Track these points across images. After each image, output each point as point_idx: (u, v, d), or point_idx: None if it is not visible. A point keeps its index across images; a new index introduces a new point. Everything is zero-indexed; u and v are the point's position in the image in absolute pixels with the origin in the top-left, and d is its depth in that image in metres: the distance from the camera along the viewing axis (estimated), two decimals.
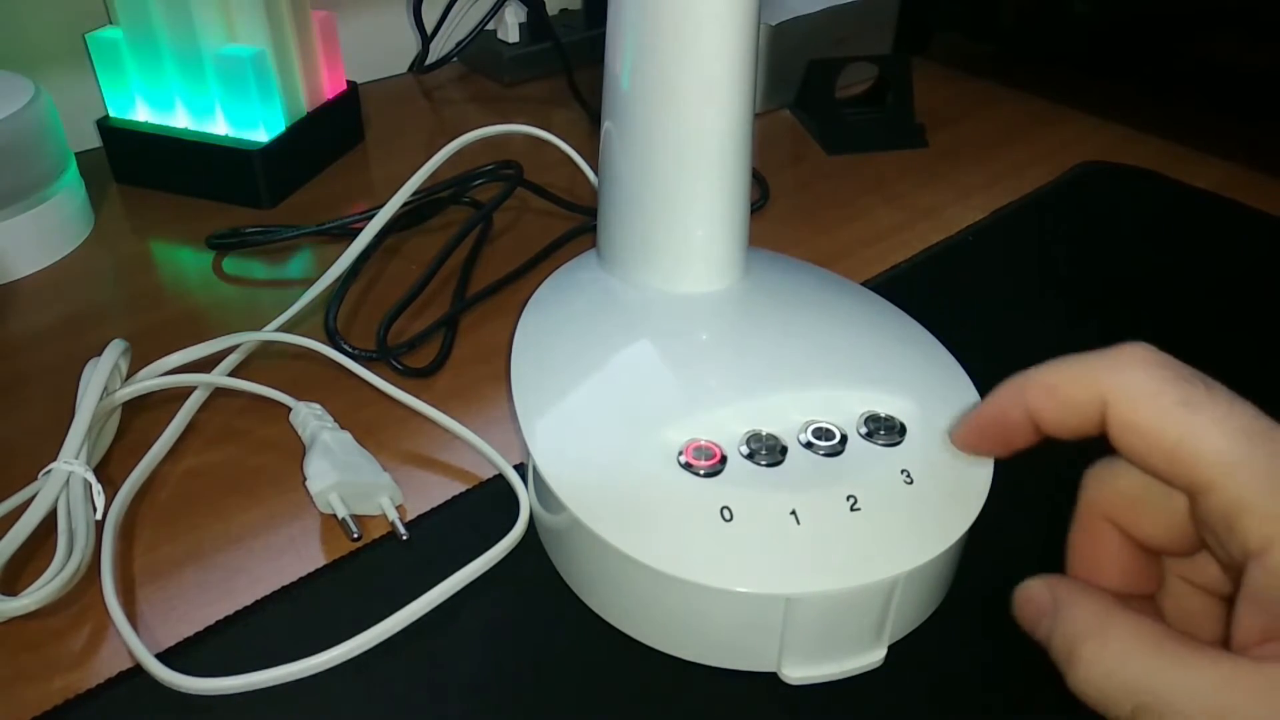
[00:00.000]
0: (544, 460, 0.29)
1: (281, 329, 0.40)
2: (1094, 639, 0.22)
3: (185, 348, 0.37)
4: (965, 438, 0.27)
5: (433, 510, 0.33)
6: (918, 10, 0.67)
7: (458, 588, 0.30)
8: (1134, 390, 0.22)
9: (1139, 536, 0.25)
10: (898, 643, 0.28)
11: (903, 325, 0.35)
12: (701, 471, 0.27)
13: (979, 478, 0.29)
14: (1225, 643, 0.21)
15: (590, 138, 0.57)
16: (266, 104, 0.50)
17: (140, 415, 0.37)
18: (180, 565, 0.31)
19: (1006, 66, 0.66)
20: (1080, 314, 0.44)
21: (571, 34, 0.66)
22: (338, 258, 0.42)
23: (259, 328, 0.40)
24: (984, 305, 0.44)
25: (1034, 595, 0.25)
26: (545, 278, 0.38)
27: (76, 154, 0.48)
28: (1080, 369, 0.23)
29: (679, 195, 0.33)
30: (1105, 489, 0.25)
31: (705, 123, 0.32)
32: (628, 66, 0.32)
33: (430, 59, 0.66)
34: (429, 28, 0.65)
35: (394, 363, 0.39)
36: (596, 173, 0.37)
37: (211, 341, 0.38)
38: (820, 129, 0.59)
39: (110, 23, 0.50)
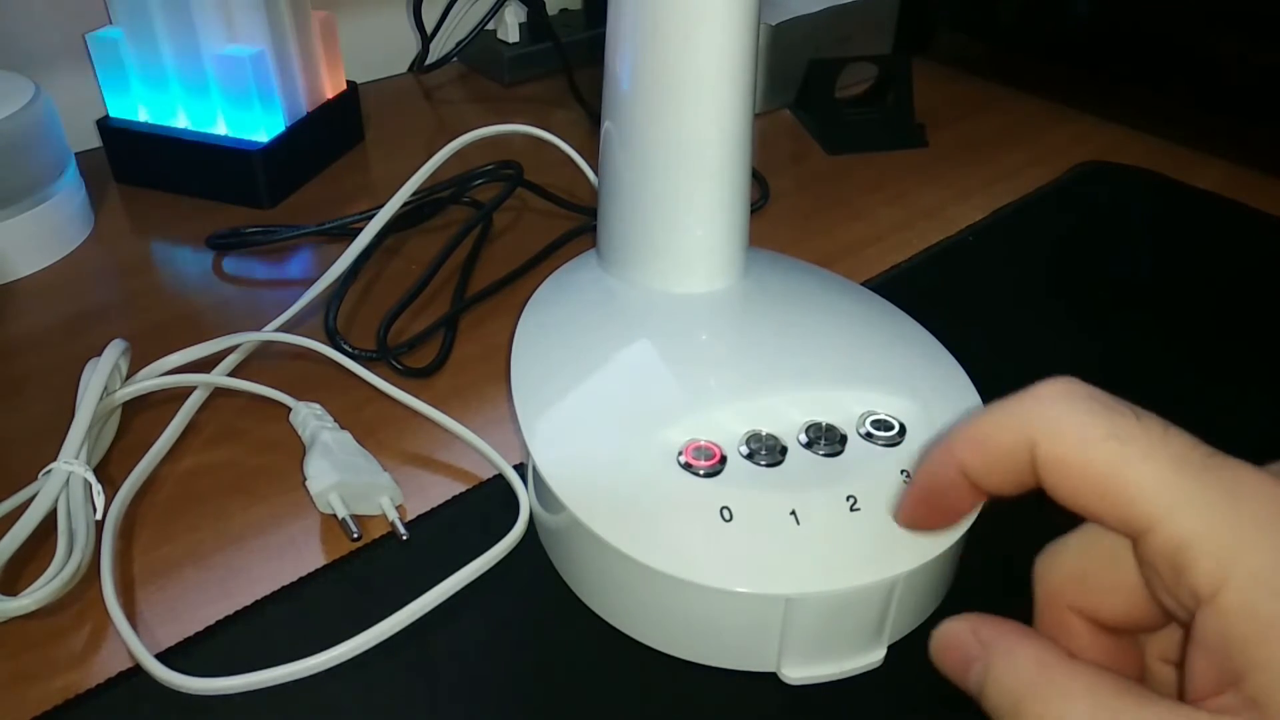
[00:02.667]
0: (544, 460, 0.29)
1: (281, 329, 0.40)
2: (1037, 698, 0.20)
3: (185, 348, 0.37)
4: (906, 513, 0.25)
5: (433, 510, 0.33)
6: (918, 10, 0.67)
7: (457, 588, 0.30)
8: (1059, 425, 0.21)
9: (1103, 617, 0.23)
10: (898, 643, 0.28)
11: (903, 325, 0.35)
12: (701, 471, 0.27)
13: None
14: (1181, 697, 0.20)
15: (590, 138, 0.57)
16: (266, 104, 0.50)
17: (140, 415, 0.37)
18: (180, 565, 0.31)
19: (1006, 66, 0.66)
20: (1080, 314, 0.44)
21: (571, 34, 0.66)
22: (338, 258, 0.42)
23: (259, 328, 0.40)
24: (984, 305, 0.44)
25: (958, 640, 0.23)
26: (545, 278, 0.38)
27: (76, 154, 0.48)
28: (1004, 414, 0.22)
29: (679, 195, 0.33)
30: (1056, 574, 0.24)
31: (705, 123, 0.32)
32: (628, 66, 0.32)
33: (430, 59, 0.66)
34: (429, 28, 0.65)
35: (394, 363, 0.39)
36: (596, 173, 0.37)
37: (211, 341, 0.37)
38: (820, 129, 0.59)
39: (110, 23, 0.50)
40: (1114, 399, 0.21)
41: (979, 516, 0.28)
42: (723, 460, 0.28)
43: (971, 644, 0.22)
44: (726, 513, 0.27)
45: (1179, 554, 0.19)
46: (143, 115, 0.51)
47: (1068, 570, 0.23)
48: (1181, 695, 0.20)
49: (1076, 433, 0.20)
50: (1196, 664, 0.20)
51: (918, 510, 0.25)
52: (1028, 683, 0.21)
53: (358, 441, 0.34)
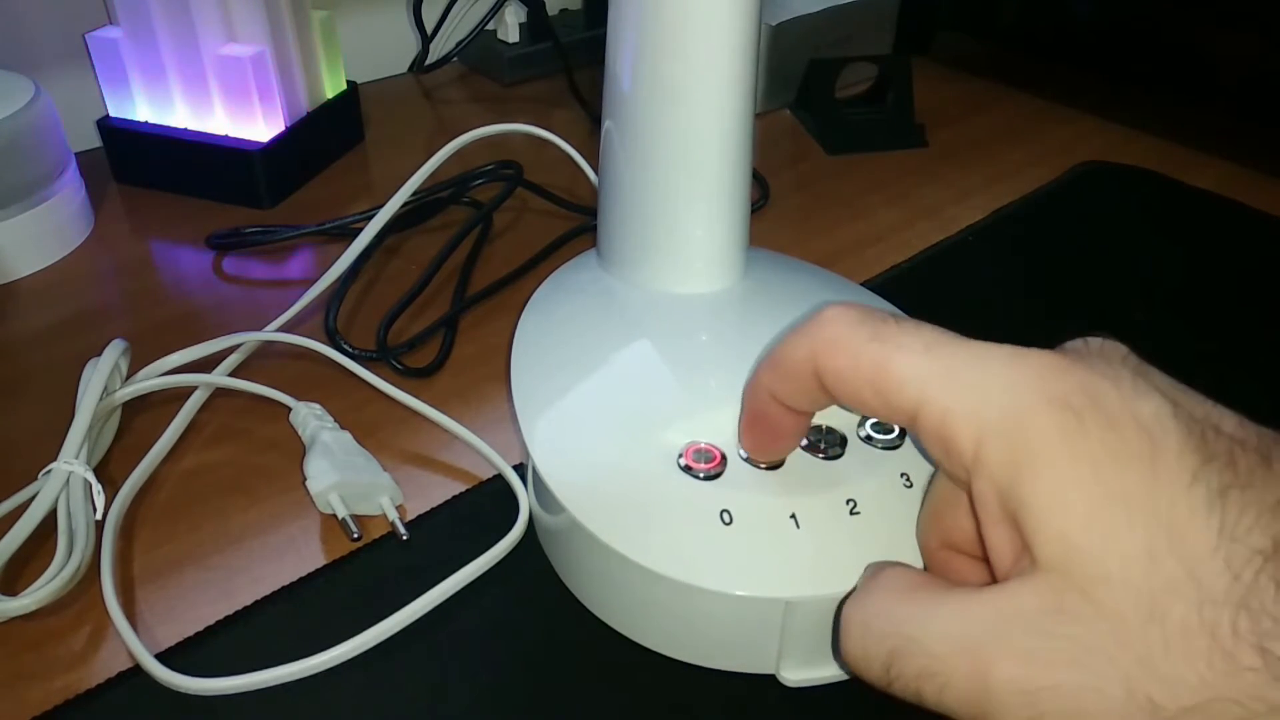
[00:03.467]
0: (543, 461, 0.29)
1: (281, 329, 0.40)
2: (854, 598, 0.22)
3: (185, 348, 0.37)
4: (746, 443, 0.28)
5: (433, 510, 0.33)
6: (918, 10, 0.67)
7: (457, 588, 0.30)
8: (831, 339, 0.23)
9: (963, 545, 0.24)
10: None
11: None
12: (701, 474, 0.27)
13: None
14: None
15: (590, 138, 0.57)
16: (266, 104, 0.50)
17: (140, 415, 0.37)
18: (180, 565, 0.31)
19: (1006, 66, 0.66)
20: (1080, 314, 0.44)
21: (571, 34, 0.66)
22: (338, 258, 0.42)
23: (259, 328, 0.40)
24: (984, 305, 0.44)
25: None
26: (545, 278, 0.38)
27: (76, 154, 0.48)
28: (793, 338, 0.24)
29: (679, 195, 0.33)
30: (920, 522, 0.26)
31: (705, 123, 0.32)
32: (628, 66, 0.32)
33: (430, 59, 0.66)
34: (429, 28, 0.65)
35: (394, 363, 0.39)
36: (596, 173, 0.37)
37: (211, 341, 0.38)
38: (820, 129, 0.59)
39: (110, 23, 0.50)
40: (880, 311, 0.23)
41: None
42: (723, 463, 0.28)
43: None
44: (726, 516, 0.27)
45: (943, 427, 0.21)
46: (143, 115, 0.51)
47: (926, 514, 0.25)
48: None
49: (846, 342, 0.22)
50: (992, 540, 0.20)
51: (750, 435, 0.27)
52: (858, 588, 0.23)
53: (358, 441, 0.34)
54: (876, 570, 0.23)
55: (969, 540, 0.23)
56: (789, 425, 0.26)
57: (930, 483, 0.25)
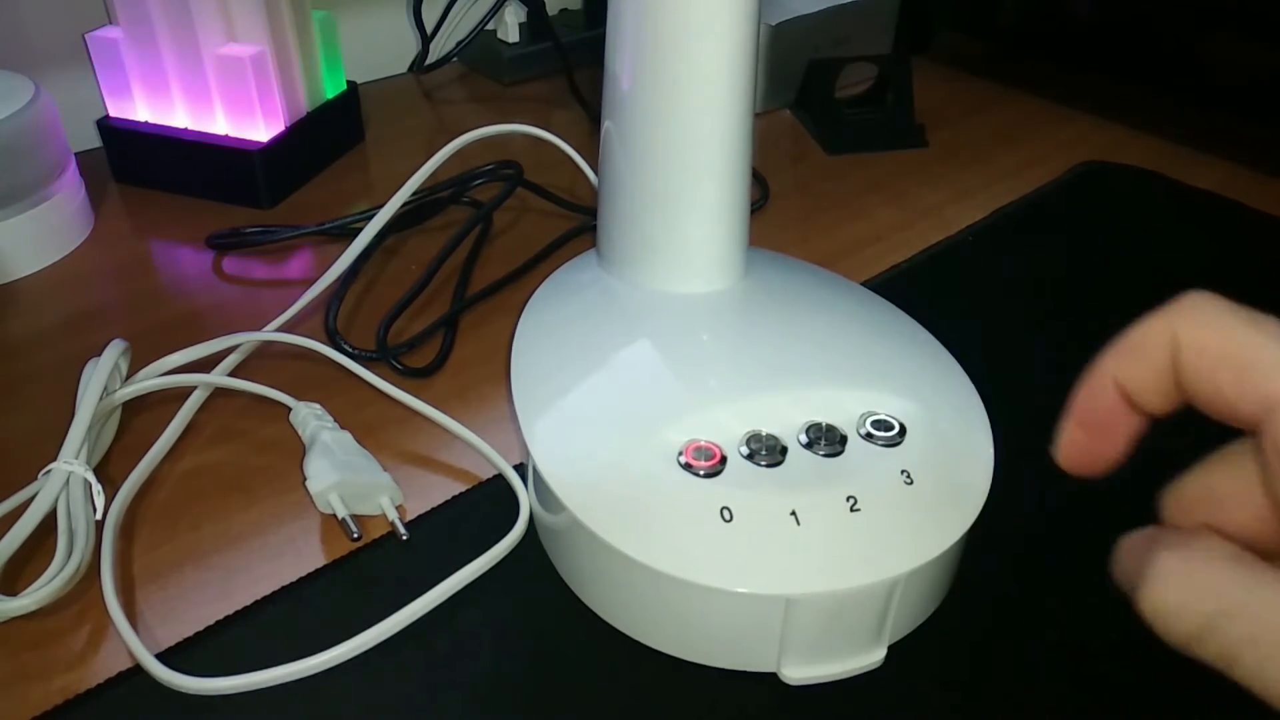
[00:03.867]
0: (544, 460, 0.29)
1: (281, 329, 0.40)
2: (1171, 548, 0.21)
3: (185, 348, 0.37)
4: (1066, 449, 0.25)
5: (433, 510, 0.33)
6: (918, 10, 0.67)
7: (458, 588, 0.30)
8: (1202, 315, 0.22)
9: (1231, 531, 0.23)
10: (898, 643, 0.28)
11: (903, 325, 0.35)
12: (701, 472, 0.27)
13: (979, 478, 0.29)
14: None
15: (590, 138, 0.57)
16: (266, 104, 0.50)
17: (140, 415, 0.37)
18: (180, 565, 0.31)
19: (1006, 66, 0.67)
20: (1079, 314, 0.44)
21: (571, 34, 0.66)
22: (338, 258, 0.42)
23: (259, 328, 0.40)
24: (984, 305, 0.44)
25: (1134, 542, 0.24)
26: (545, 278, 0.38)
27: (76, 154, 0.48)
28: (1150, 320, 0.23)
29: (679, 195, 0.33)
30: (1186, 494, 0.24)
31: (705, 123, 0.32)
32: (628, 66, 0.32)
33: (430, 59, 0.66)
34: (429, 28, 0.65)
35: (394, 363, 0.39)
36: (596, 173, 0.37)
37: (211, 341, 0.37)
38: (820, 129, 0.59)
39: (110, 23, 0.50)
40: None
41: (979, 517, 0.28)
42: (723, 460, 0.28)
43: (1142, 542, 0.23)
44: (727, 513, 0.27)
45: None
46: (143, 115, 0.51)
47: (1197, 489, 0.24)
48: None
49: (1217, 319, 0.22)
50: None
51: (1075, 437, 0.25)
52: (1165, 542, 0.22)
53: (358, 441, 0.34)
54: (1180, 532, 0.22)
55: (1238, 528, 0.23)
56: (1122, 424, 0.24)
57: (1209, 465, 0.24)
